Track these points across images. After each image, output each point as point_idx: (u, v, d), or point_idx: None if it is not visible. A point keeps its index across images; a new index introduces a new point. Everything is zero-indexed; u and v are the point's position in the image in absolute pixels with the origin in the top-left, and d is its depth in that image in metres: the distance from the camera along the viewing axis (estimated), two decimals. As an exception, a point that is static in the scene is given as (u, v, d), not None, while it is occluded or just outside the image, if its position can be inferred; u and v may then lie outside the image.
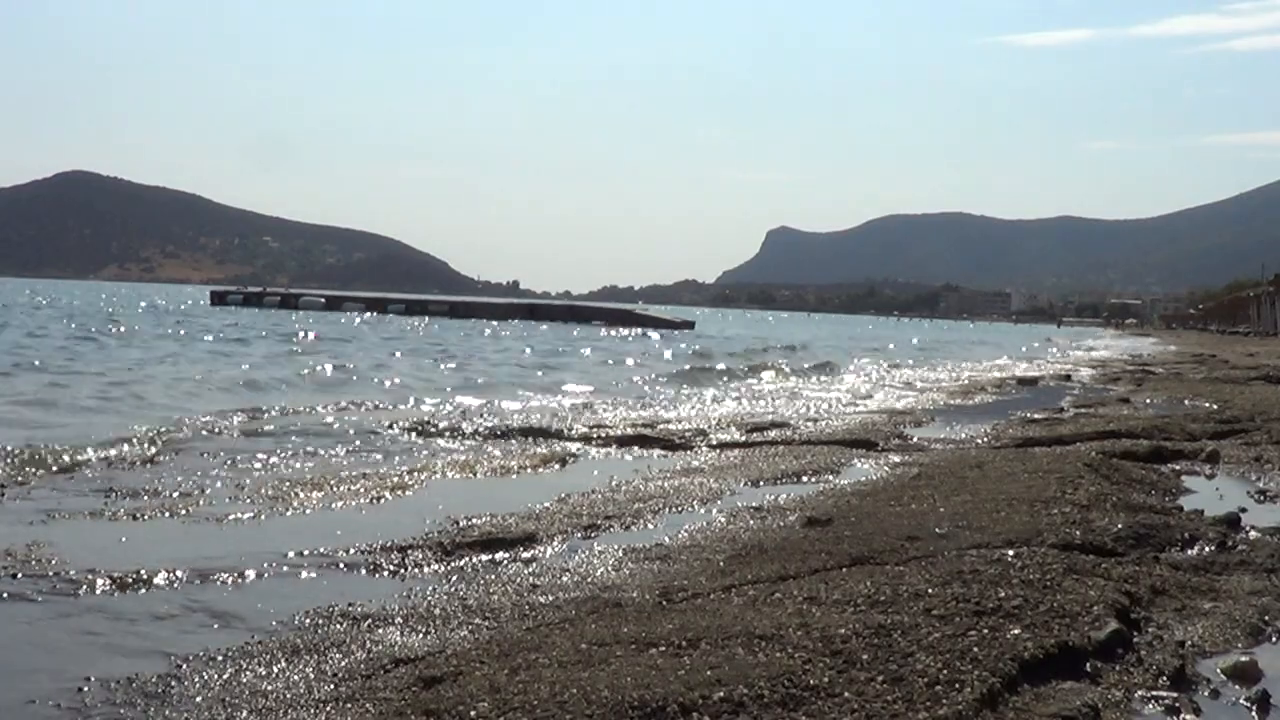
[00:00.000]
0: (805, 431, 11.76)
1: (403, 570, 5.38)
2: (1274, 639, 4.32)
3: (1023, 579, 4.53)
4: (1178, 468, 8.87)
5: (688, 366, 25.03)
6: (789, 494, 7.56)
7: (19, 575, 5.10)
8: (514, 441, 10.53)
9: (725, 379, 21.82)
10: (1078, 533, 5.57)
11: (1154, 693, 3.64)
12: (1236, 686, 3.79)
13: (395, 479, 7.97)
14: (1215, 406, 14.46)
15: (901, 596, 4.28)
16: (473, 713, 3.25)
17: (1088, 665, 3.76)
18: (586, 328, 59.06)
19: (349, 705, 3.47)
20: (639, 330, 58.42)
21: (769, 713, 3.20)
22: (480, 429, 11.36)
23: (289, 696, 3.58)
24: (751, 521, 6.44)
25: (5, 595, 4.82)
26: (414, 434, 10.90)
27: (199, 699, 3.59)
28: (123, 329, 34.35)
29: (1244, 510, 6.70)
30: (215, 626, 4.43)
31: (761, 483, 8.14)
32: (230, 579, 5.16)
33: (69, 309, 55.79)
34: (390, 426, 11.43)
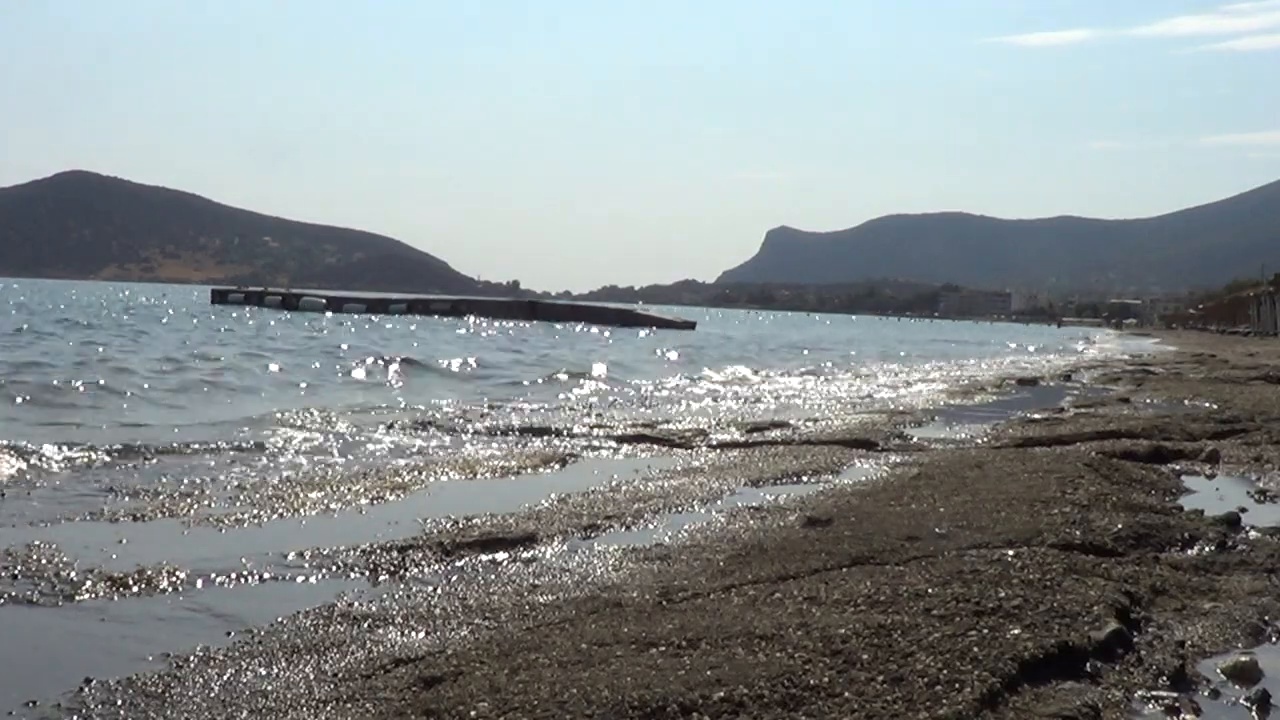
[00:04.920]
0: (805, 431, 11.76)
1: (403, 570, 5.38)
2: (1274, 639, 4.32)
3: (1023, 579, 4.53)
4: (1178, 468, 8.86)
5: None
6: (789, 494, 7.56)
7: (19, 575, 5.10)
8: (514, 441, 10.53)
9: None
10: (1078, 533, 5.57)
11: (1154, 693, 3.64)
12: (1236, 686, 3.79)
13: (395, 479, 7.97)
14: (1215, 406, 14.45)
15: (901, 596, 4.28)
16: (473, 713, 3.25)
17: (1088, 665, 3.76)
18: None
19: (349, 705, 3.47)
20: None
21: (769, 713, 3.20)
22: (480, 428, 11.37)
23: (289, 696, 3.58)
24: (751, 521, 6.44)
25: (5, 595, 4.82)
26: (413, 434, 10.90)
27: (199, 699, 3.59)
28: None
29: (1244, 510, 6.70)
30: (215, 627, 4.42)
31: (761, 483, 8.13)
32: (230, 579, 5.16)
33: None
34: (392, 426, 11.44)
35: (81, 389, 14.49)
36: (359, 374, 20.24)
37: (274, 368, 20.74)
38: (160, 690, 3.67)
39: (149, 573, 5.13)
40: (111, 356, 21.81)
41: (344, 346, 29.34)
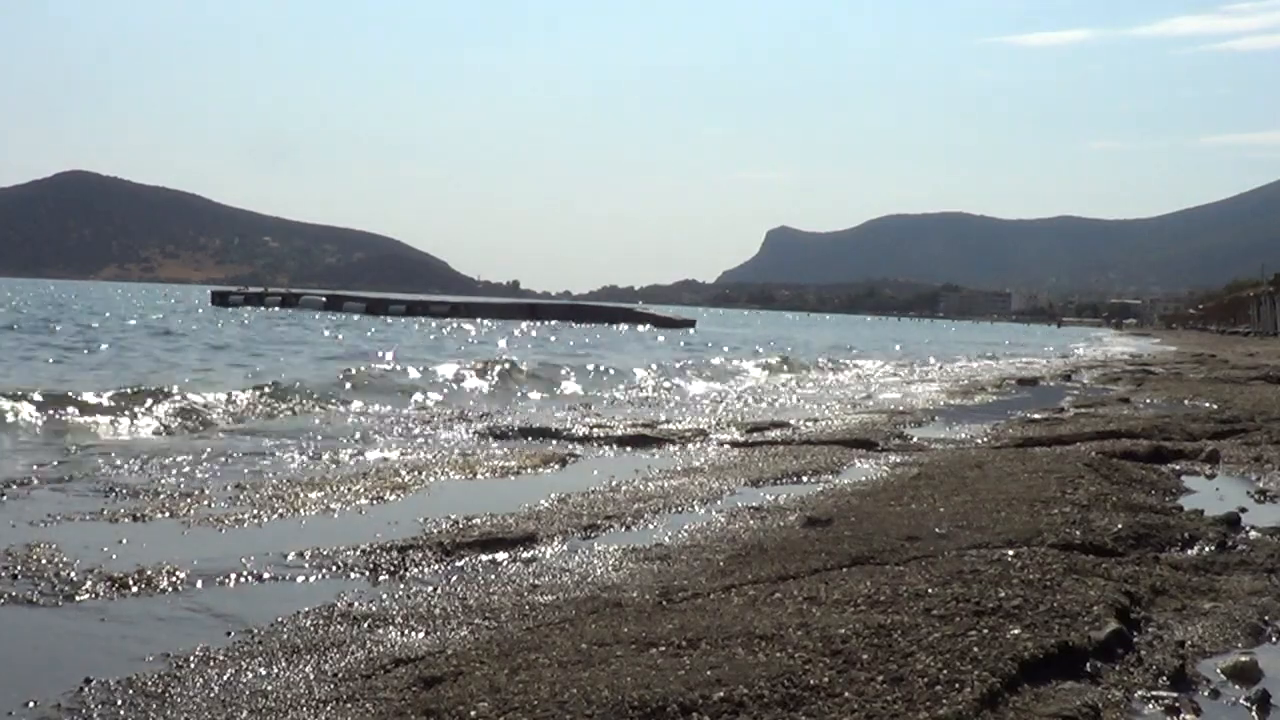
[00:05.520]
0: (805, 431, 11.76)
1: (403, 570, 5.38)
2: (1274, 639, 4.32)
3: (1023, 579, 4.53)
4: (1178, 468, 8.86)
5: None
6: (789, 494, 7.56)
7: (19, 575, 5.10)
8: (514, 441, 10.53)
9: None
10: (1078, 533, 5.57)
11: (1154, 693, 3.64)
12: (1236, 686, 3.79)
13: (395, 479, 7.97)
14: (1215, 406, 14.45)
15: (901, 596, 4.28)
16: (473, 713, 3.25)
17: (1088, 665, 3.76)
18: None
19: (349, 705, 3.47)
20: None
21: (769, 713, 3.20)
22: (480, 429, 11.37)
23: (289, 696, 3.58)
24: (751, 521, 6.44)
25: (5, 595, 4.82)
26: (415, 433, 10.91)
27: (199, 699, 3.59)
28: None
29: (1244, 510, 6.70)
30: (215, 627, 4.43)
31: (761, 483, 8.13)
32: (230, 579, 5.16)
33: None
34: (392, 426, 11.44)
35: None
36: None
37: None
38: (160, 690, 3.67)
39: (149, 573, 5.13)
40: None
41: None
